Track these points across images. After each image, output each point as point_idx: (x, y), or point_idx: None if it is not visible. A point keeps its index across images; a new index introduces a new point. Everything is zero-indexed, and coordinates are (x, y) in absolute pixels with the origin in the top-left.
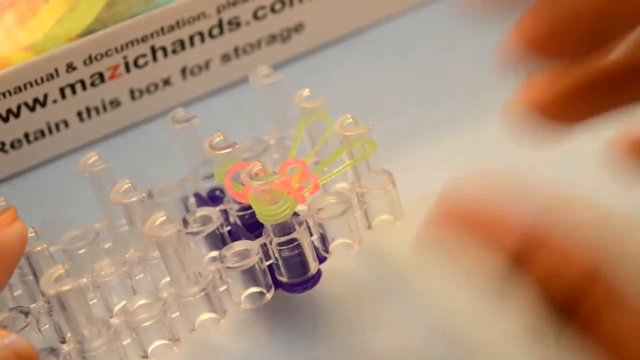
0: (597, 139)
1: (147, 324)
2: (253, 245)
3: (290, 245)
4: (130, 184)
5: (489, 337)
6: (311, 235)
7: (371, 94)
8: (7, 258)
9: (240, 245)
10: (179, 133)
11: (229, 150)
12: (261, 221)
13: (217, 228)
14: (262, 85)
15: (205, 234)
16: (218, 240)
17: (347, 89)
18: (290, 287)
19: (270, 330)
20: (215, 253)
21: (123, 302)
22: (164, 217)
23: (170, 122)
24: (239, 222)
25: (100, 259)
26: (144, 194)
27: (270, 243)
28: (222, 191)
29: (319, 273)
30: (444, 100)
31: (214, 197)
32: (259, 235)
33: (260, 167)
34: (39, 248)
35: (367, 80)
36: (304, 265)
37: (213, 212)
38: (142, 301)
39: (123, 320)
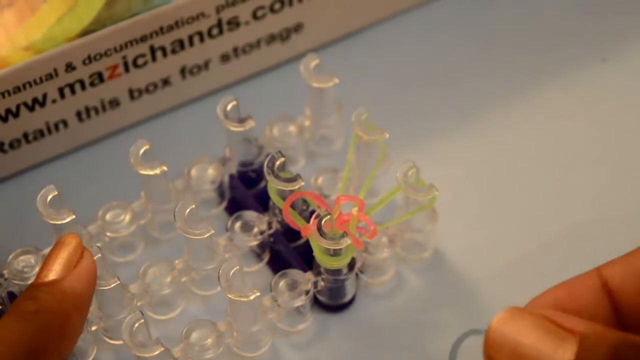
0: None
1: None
2: (304, 278)
3: (338, 281)
4: (148, 147)
5: None
6: (356, 273)
7: (370, 94)
8: (81, 306)
9: (291, 275)
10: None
11: (241, 127)
12: (318, 262)
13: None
14: (311, 80)
15: (249, 245)
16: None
17: (346, 90)
18: (327, 308)
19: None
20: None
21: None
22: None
23: (220, 114)
24: (280, 228)
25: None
26: (164, 167)
27: (319, 274)
28: (255, 172)
29: (354, 298)
30: (444, 100)
31: (248, 180)
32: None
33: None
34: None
35: (366, 80)
36: (344, 293)
37: (259, 220)
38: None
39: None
